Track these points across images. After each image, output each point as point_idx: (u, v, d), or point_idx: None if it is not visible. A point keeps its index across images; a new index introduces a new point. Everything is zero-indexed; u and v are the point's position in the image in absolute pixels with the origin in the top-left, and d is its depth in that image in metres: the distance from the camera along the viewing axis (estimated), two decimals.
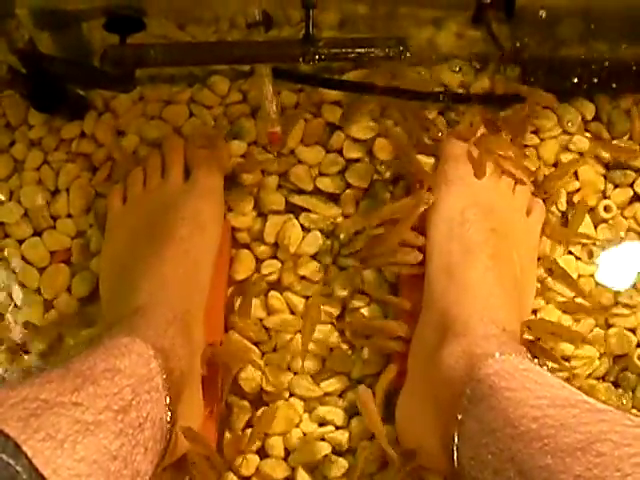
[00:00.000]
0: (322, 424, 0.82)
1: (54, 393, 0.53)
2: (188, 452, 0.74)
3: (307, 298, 0.85)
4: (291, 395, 0.83)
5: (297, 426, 0.82)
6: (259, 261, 0.87)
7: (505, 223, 0.79)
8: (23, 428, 0.48)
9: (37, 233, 0.90)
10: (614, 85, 0.90)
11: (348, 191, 0.88)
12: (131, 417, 0.57)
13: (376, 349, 0.82)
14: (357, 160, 0.89)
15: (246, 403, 0.82)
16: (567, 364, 0.81)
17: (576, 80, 0.90)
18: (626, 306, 0.84)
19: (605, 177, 0.89)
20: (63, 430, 0.50)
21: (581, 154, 0.89)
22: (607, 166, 0.89)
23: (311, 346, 0.82)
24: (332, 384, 0.82)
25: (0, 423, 0.47)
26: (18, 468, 0.45)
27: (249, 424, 0.82)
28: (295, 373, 0.83)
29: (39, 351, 0.86)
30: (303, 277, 0.85)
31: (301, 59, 0.68)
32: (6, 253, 0.89)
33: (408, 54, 0.75)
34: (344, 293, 0.85)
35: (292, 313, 0.85)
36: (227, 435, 0.81)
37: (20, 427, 0.48)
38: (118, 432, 0.55)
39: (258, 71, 0.76)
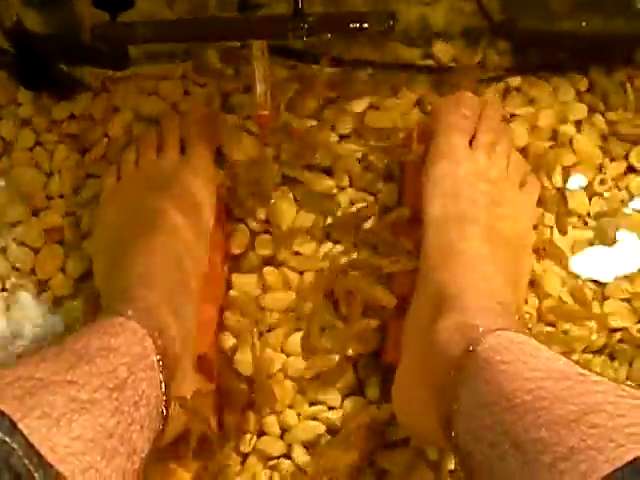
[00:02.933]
0: (314, 404, 0.82)
1: (49, 372, 0.53)
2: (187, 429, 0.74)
3: (301, 273, 0.84)
4: (285, 377, 0.82)
5: (291, 407, 0.82)
6: (254, 235, 0.86)
7: (500, 196, 0.79)
8: (18, 406, 0.48)
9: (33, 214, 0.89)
10: (607, 58, 0.90)
11: (341, 164, 0.87)
12: (127, 395, 0.57)
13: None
14: (350, 134, 0.89)
15: (242, 385, 0.82)
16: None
17: (569, 53, 0.90)
18: (625, 278, 0.84)
19: (602, 149, 0.89)
20: (58, 408, 0.50)
21: (579, 122, 0.89)
22: (604, 138, 0.89)
23: (304, 324, 0.82)
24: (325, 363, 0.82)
25: None
26: (14, 445, 0.45)
27: (246, 405, 0.82)
28: (288, 355, 0.83)
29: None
30: (297, 253, 0.85)
31: (291, 35, 0.67)
32: None
33: (397, 28, 0.75)
34: (338, 267, 0.84)
35: (288, 289, 0.84)
36: (226, 416, 0.81)
37: (15, 405, 0.48)
38: (114, 410, 0.55)
39: (251, 53, 0.76)
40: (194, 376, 0.76)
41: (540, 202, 0.85)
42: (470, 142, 0.81)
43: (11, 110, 0.92)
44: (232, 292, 0.84)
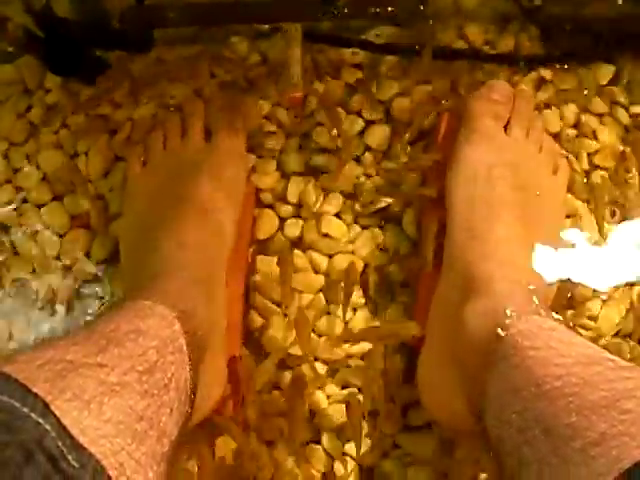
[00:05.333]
0: (345, 387, 0.82)
1: (79, 354, 0.53)
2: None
3: (330, 257, 0.84)
4: (315, 359, 0.82)
5: (320, 389, 0.81)
6: (282, 220, 0.87)
7: (531, 181, 0.79)
8: (50, 389, 0.48)
9: (57, 197, 0.90)
10: (636, 46, 0.90)
11: (368, 152, 0.88)
12: (156, 378, 0.58)
13: None
14: (376, 121, 0.88)
15: (269, 365, 0.82)
16: (593, 323, 0.81)
17: (597, 41, 0.89)
18: None
19: (624, 140, 0.88)
20: (89, 391, 0.50)
21: (600, 116, 0.89)
22: (626, 128, 0.89)
23: (332, 306, 0.83)
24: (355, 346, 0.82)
25: (28, 383, 0.47)
26: (47, 427, 0.45)
27: (274, 386, 0.82)
28: (319, 335, 0.83)
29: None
30: (326, 235, 0.85)
31: (321, 16, 0.67)
32: (26, 218, 0.89)
33: (429, 11, 0.74)
34: (366, 251, 0.85)
35: (316, 272, 0.84)
36: (249, 399, 0.81)
37: (47, 387, 0.48)
38: (143, 393, 0.55)
39: (288, 34, 0.75)
40: (223, 359, 0.77)
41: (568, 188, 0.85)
42: (504, 129, 0.81)
43: (39, 95, 0.92)
44: (258, 275, 0.85)
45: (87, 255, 0.88)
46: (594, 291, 0.82)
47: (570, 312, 0.82)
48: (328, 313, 0.83)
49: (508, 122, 0.82)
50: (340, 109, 0.89)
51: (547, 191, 0.80)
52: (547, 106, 0.89)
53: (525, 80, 0.89)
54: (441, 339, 0.74)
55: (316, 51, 0.91)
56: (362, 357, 0.82)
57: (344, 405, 0.80)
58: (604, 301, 0.82)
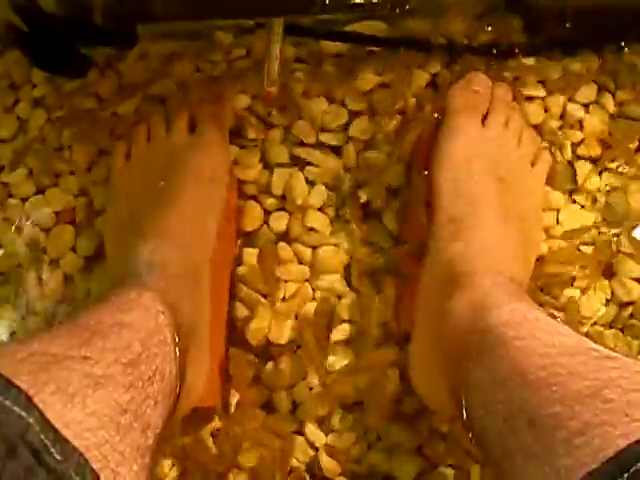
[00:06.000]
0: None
1: (63, 347, 0.53)
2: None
3: (314, 248, 0.84)
4: (298, 347, 0.82)
5: (303, 379, 0.82)
6: (267, 213, 0.87)
7: (511, 173, 0.79)
8: (33, 382, 0.48)
9: (40, 191, 0.90)
10: (621, 35, 0.90)
11: (350, 143, 0.87)
12: (140, 370, 0.58)
13: None
14: (359, 112, 0.88)
15: (252, 357, 0.82)
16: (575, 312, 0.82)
17: (581, 31, 0.89)
18: (630, 255, 0.84)
19: (610, 128, 0.88)
20: (73, 384, 0.50)
21: (586, 105, 0.89)
22: (612, 117, 0.89)
23: (319, 294, 0.83)
24: (340, 333, 0.82)
25: (11, 377, 0.47)
26: (30, 421, 0.45)
27: (255, 378, 0.82)
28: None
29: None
30: (311, 229, 0.85)
31: (306, 10, 0.67)
32: (10, 213, 0.89)
33: (409, 5, 0.74)
34: (349, 244, 0.85)
35: (300, 263, 0.85)
36: (233, 391, 0.81)
37: (30, 381, 0.48)
38: (128, 385, 0.55)
39: (270, 29, 0.75)
40: (208, 351, 0.77)
41: (549, 179, 0.85)
42: (482, 121, 0.81)
43: (26, 90, 0.93)
44: (243, 266, 0.85)
45: (73, 250, 0.88)
46: None
47: None
48: (313, 299, 0.84)
49: (487, 114, 0.82)
50: (324, 99, 0.89)
51: (526, 182, 0.81)
52: (529, 97, 0.88)
53: (506, 71, 0.88)
54: (427, 330, 0.74)
55: (297, 43, 0.91)
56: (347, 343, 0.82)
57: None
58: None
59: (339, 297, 0.84)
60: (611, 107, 0.89)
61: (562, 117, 0.89)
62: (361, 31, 0.90)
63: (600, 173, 0.87)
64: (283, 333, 0.82)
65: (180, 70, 0.91)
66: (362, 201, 0.85)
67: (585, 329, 0.81)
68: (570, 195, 0.86)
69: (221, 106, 0.86)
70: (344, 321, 0.82)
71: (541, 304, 0.79)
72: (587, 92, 0.89)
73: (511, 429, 0.53)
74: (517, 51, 0.89)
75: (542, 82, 0.89)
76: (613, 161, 0.87)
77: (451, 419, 0.78)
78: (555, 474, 0.47)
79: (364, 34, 0.90)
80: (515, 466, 0.52)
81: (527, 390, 0.54)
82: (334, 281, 0.84)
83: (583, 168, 0.86)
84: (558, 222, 0.85)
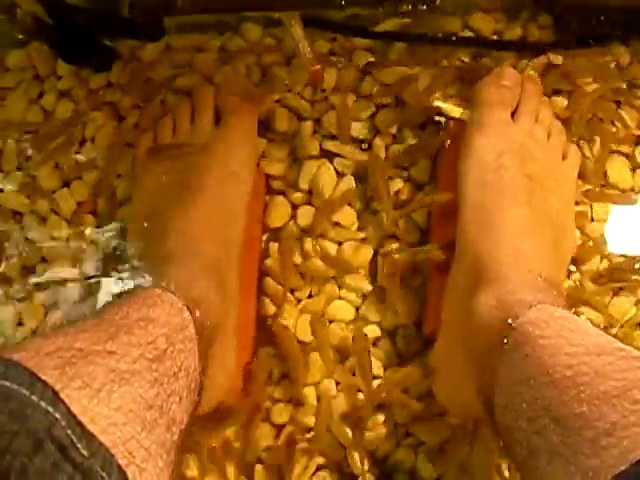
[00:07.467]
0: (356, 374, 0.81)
1: (88, 342, 0.53)
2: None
3: (340, 244, 0.84)
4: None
5: (330, 376, 0.81)
6: (294, 207, 0.86)
7: (541, 168, 0.78)
8: (59, 376, 0.48)
9: (65, 184, 0.90)
10: None
11: (378, 137, 0.87)
12: (166, 366, 0.57)
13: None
14: (387, 105, 0.88)
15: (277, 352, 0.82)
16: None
17: (610, 27, 0.88)
18: None
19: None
20: (99, 379, 0.50)
21: (618, 102, 0.88)
22: None
23: (344, 292, 0.83)
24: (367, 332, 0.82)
25: (37, 371, 0.47)
26: (57, 415, 0.45)
27: (282, 374, 0.82)
28: (330, 321, 0.83)
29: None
30: (337, 223, 0.85)
31: (329, 4, 0.67)
32: (36, 206, 0.89)
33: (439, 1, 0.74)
34: (376, 238, 0.85)
35: (325, 259, 0.84)
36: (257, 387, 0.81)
37: (56, 375, 0.48)
38: (153, 381, 0.55)
39: (286, 19, 0.75)
40: (234, 349, 0.77)
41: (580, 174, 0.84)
42: (512, 115, 0.81)
43: (51, 81, 0.92)
44: (270, 260, 0.85)
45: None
46: None
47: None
48: (340, 298, 0.84)
49: (516, 108, 0.81)
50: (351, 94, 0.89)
51: (556, 177, 0.80)
52: (558, 92, 0.88)
53: (535, 66, 0.88)
54: (454, 329, 0.74)
55: (329, 39, 0.91)
56: (374, 344, 0.82)
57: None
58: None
59: (364, 296, 0.84)
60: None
61: (592, 111, 0.88)
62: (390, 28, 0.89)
63: (633, 170, 0.87)
64: (309, 331, 0.82)
65: (206, 63, 0.91)
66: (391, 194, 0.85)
67: (614, 330, 0.81)
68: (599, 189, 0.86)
69: (249, 97, 0.85)
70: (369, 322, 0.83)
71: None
72: (616, 86, 0.88)
73: (536, 429, 0.53)
74: (545, 47, 0.89)
75: (570, 76, 0.88)
76: None
77: (475, 420, 0.78)
78: (581, 474, 0.47)
79: (392, 31, 0.89)
80: (540, 465, 0.52)
81: (553, 389, 0.53)
82: (359, 278, 0.83)
83: (614, 163, 0.86)
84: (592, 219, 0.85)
